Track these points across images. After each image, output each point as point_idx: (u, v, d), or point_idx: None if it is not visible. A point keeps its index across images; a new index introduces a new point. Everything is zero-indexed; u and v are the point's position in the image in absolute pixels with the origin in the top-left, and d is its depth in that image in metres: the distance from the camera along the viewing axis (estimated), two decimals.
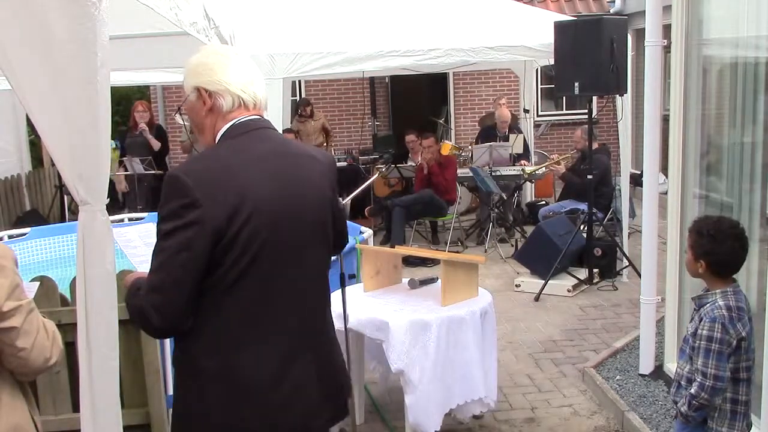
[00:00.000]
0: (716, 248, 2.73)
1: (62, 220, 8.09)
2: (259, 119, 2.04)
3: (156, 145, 8.71)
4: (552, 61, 6.66)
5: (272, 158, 1.99)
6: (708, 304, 2.76)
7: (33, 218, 7.86)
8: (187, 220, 1.81)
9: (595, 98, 7.83)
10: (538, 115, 12.15)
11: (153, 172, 8.30)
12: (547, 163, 9.08)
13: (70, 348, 3.10)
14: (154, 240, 1.90)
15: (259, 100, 2.05)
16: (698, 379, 2.70)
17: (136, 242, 3.59)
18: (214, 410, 1.94)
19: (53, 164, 7.00)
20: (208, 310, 1.91)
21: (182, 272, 1.81)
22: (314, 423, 2.05)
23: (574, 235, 6.73)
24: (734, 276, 2.81)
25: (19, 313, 1.80)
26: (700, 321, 2.75)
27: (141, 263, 3.31)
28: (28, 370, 1.86)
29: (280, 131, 6.32)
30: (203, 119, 2.04)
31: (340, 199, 2.25)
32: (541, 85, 12.08)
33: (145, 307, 1.84)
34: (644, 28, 4.44)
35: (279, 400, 1.97)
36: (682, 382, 2.85)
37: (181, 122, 8.43)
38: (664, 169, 4.53)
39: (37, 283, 3.39)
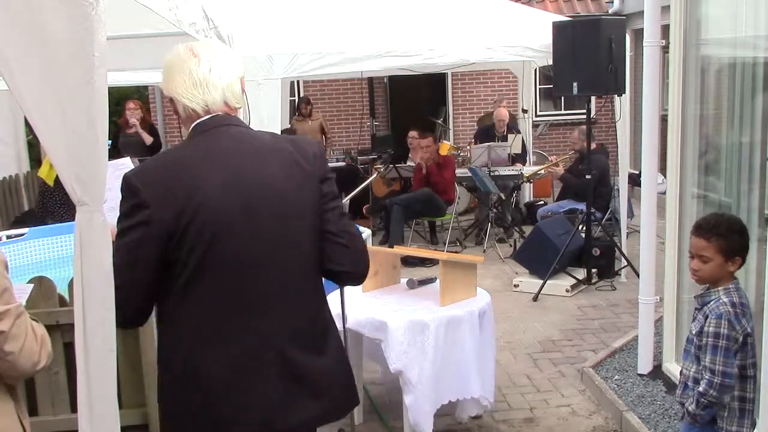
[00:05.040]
0: (747, 241, 2.77)
1: None
2: (220, 117, 2.04)
3: (148, 140, 8.62)
4: (550, 62, 6.66)
5: (228, 155, 1.99)
6: (712, 302, 2.76)
7: (31, 218, 7.84)
8: (136, 221, 1.87)
9: (593, 98, 7.83)
10: (536, 116, 12.15)
11: None
12: (545, 165, 9.09)
13: (69, 348, 3.10)
14: None
15: (214, 103, 2.03)
16: (706, 377, 2.69)
17: None
18: (176, 406, 2.00)
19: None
20: (171, 308, 1.98)
21: (131, 272, 1.88)
22: (282, 423, 2.02)
23: (572, 235, 6.73)
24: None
25: (7, 318, 1.79)
26: (705, 319, 2.74)
27: None
28: (16, 373, 1.86)
29: (279, 131, 6.35)
30: (178, 121, 2.16)
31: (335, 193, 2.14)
32: (539, 85, 12.08)
33: None
34: (643, 29, 4.44)
35: (235, 401, 1.98)
36: (689, 383, 2.84)
37: None
38: (663, 169, 4.53)
39: (31, 285, 3.38)
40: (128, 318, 1.96)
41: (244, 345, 1.99)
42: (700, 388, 2.72)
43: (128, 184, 1.90)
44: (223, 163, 1.97)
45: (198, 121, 2.03)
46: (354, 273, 2.18)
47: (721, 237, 2.74)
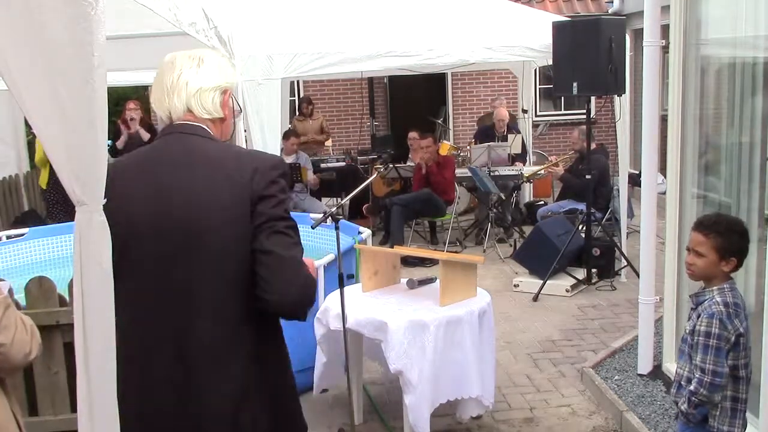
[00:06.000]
0: (746, 244, 2.77)
1: None
2: (175, 125, 2.02)
3: (145, 136, 8.58)
4: (550, 62, 6.66)
5: (164, 165, 1.97)
6: (706, 301, 2.77)
7: (31, 218, 7.85)
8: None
9: (593, 98, 7.84)
10: (536, 116, 12.15)
11: None
12: (545, 166, 9.08)
13: (69, 348, 3.10)
14: None
15: (175, 110, 2.01)
16: (697, 375, 2.70)
17: None
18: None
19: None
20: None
21: None
22: None
23: (572, 235, 6.73)
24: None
25: None
26: (698, 318, 2.75)
27: None
28: (9, 365, 1.87)
29: (279, 130, 6.35)
30: None
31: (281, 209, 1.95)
32: (539, 85, 12.08)
33: None
34: (643, 29, 4.44)
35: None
36: (683, 382, 2.84)
37: None
38: (663, 169, 4.54)
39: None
40: None
41: (138, 368, 1.93)
42: (691, 387, 2.72)
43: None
44: (151, 173, 1.97)
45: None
46: (280, 303, 1.88)
47: (720, 235, 2.75)
